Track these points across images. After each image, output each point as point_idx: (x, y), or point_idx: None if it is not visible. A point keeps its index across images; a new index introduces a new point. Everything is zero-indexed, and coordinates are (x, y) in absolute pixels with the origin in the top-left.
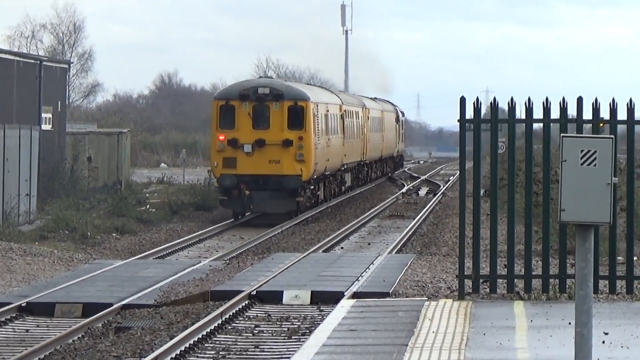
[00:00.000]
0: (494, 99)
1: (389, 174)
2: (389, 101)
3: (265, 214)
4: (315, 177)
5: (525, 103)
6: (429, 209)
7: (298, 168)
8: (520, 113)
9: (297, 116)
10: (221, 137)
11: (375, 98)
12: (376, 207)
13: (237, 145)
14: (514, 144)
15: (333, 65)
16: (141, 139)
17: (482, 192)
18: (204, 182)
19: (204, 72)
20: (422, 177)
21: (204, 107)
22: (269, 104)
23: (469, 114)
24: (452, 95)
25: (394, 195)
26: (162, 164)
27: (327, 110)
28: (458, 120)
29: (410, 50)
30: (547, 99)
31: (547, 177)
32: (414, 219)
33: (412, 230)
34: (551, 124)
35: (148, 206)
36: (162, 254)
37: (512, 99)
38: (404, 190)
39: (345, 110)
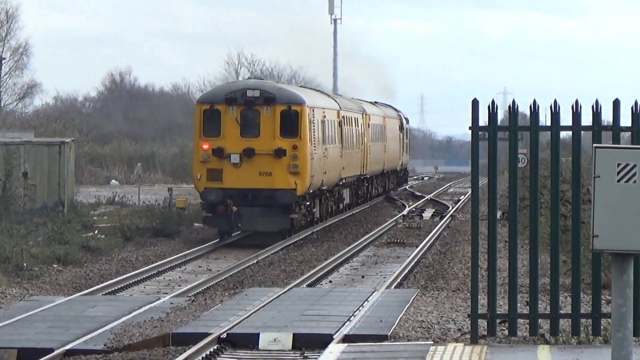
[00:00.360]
0: (513, 101)
1: (392, 191)
2: (391, 106)
3: (257, 233)
4: (311, 191)
5: (551, 107)
6: (435, 235)
7: (292, 181)
8: (545, 119)
9: (291, 122)
10: (205, 146)
11: (376, 102)
12: (371, 233)
13: (223, 155)
14: (537, 156)
15: (319, 62)
16: (88, 150)
17: (498, 214)
18: (164, 203)
19: (164, 69)
20: (427, 197)
21: (164, 112)
22: (259, 108)
23: (483, 120)
24: (462, 98)
25: (393, 219)
26: (113, 180)
27: (324, 116)
28: (470, 128)
29: (412, 43)
30: (577, 101)
31: (577, 196)
32: (416, 247)
33: (415, 260)
34: (582, 132)
35: (96, 231)
36: (113, 289)
37: (534, 101)
38: (404, 212)
39: (343, 117)
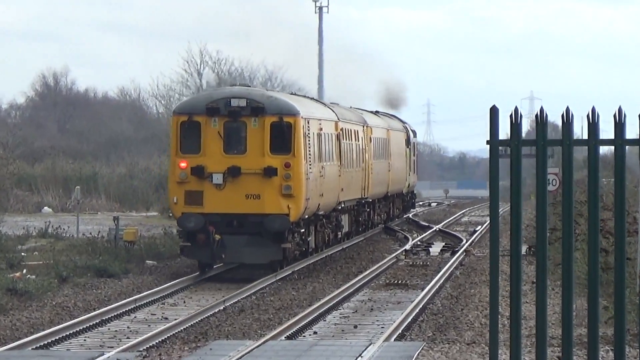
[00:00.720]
0: (541, 109)
1: (397, 218)
2: (395, 116)
3: (243, 266)
4: (306, 217)
5: (588, 116)
6: (445, 275)
7: (284, 205)
8: (582, 130)
9: (283, 136)
10: (183, 165)
11: (377, 112)
12: (366, 272)
13: (204, 175)
14: (571, 177)
15: (301, 61)
16: (14, 170)
17: (524, 249)
18: (109, 236)
19: (108, 70)
20: (435, 227)
21: (108, 123)
22: (246, 120)
23: (504, 132)
24: (478, 105)
25: (392, 254)
26: (46, 208)
27: (321, 129)
28: (487, 142)
29: (414, 37)
30: (620, 109)
31: (621, 227)
32: (422, 290)
33: (420, 306)
34: (627, 146)
35: (25, 271)
36: (45, 342)
37: (567, 109)
38: (407, 246)
39: (342, 129)
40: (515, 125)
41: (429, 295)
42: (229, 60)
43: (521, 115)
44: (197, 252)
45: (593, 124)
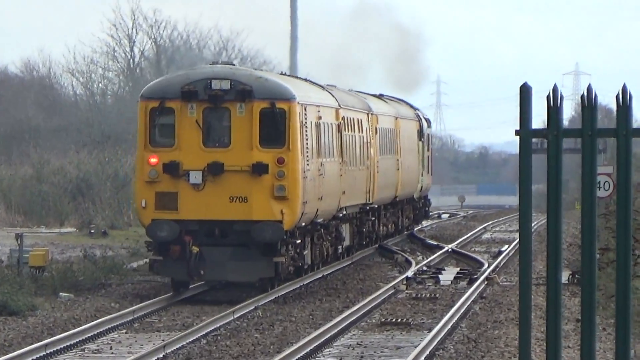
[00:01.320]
0: (589, 87)
1: (406, 230)
2: (404, 101)
3: (227, 285)
4: (303, 224)
5: None
6: (460, 311)
7: (277, 210)
8: None
9: (276, 126)
10: (153, 160)
11: (381, 95)
12: (354, 308)
13: (179, 173)
14: (629, 179)
15: (267, 26)
16: None
17: (565, 276)
18: (9, 260)
19: (6, 38)
20: (447, 247)
21: (8, 107)
22: (230, 106)
23: (539, 119)
24: (504, 83)
25: (390, 284)
26: None
27: (319, 117)
28: (517, 133)
29: None
30: None
31: None
32: (429, 331)
33: (427, 352)
34: None
35: None
36: None
37: (625, 88)
38: (409, 272)
39: (343, 118)
40: (555, 109)
41: (439, 338)
42: (170, 23)
43: (562, 97)
44: (170, 267)
45: None
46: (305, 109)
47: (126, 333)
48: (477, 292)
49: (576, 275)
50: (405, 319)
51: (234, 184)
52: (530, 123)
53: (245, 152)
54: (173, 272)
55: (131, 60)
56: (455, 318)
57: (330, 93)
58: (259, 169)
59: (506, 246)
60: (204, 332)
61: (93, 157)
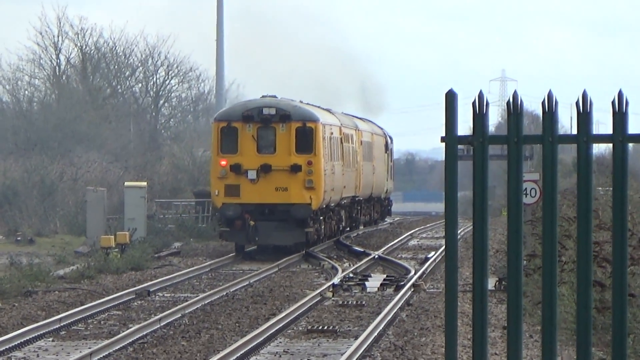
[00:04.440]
0: (515, 94)
1: (375, 223)
2: (372, 121)
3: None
4: (324, 206)
5: (578, 103)
6: (387, 318)
7: (307, 196)
8: (571, 123)
9: (306, 138)
10: (223, 163)
11: (354, 116)
12: (280, 315)
13: (241, 172)
14: (555, 185)
15: (196, 31)
16: None
17: (491, 283)
18: None
19: None
20: (373, 254)
21: None
22: (275, 125)
23: (466, 125)
24: (430, 90)
25: (316, 291)
26: None
27: (332, 133)
28: (442, 140)
29: None
30: (620, 94)
31: (621, 252)
32: (355, 339)
33: None
34: (629, 143)
35: None
36: None
37: (550, 94)
38: (335, 279)
39: (343, 133)
40: (480, 116)
41: (365, 346)
42: (96, 30)
43: (488, 103)
44: (235, 235)
45: (585, 114)
46: (324, 127)
47: (53, 341)
48: (404, 299)
49: (503, 282)
50: (331, 327)
51: (278, 178)
52: (456, 130)
53: (286, 157)
54: (237, 238)
55: (57, 67)
56: (382, 325)
57: (335, 115)
58: (295, 168)
59: (433, 253)
60: (130, 340)
61: (19, 165)
